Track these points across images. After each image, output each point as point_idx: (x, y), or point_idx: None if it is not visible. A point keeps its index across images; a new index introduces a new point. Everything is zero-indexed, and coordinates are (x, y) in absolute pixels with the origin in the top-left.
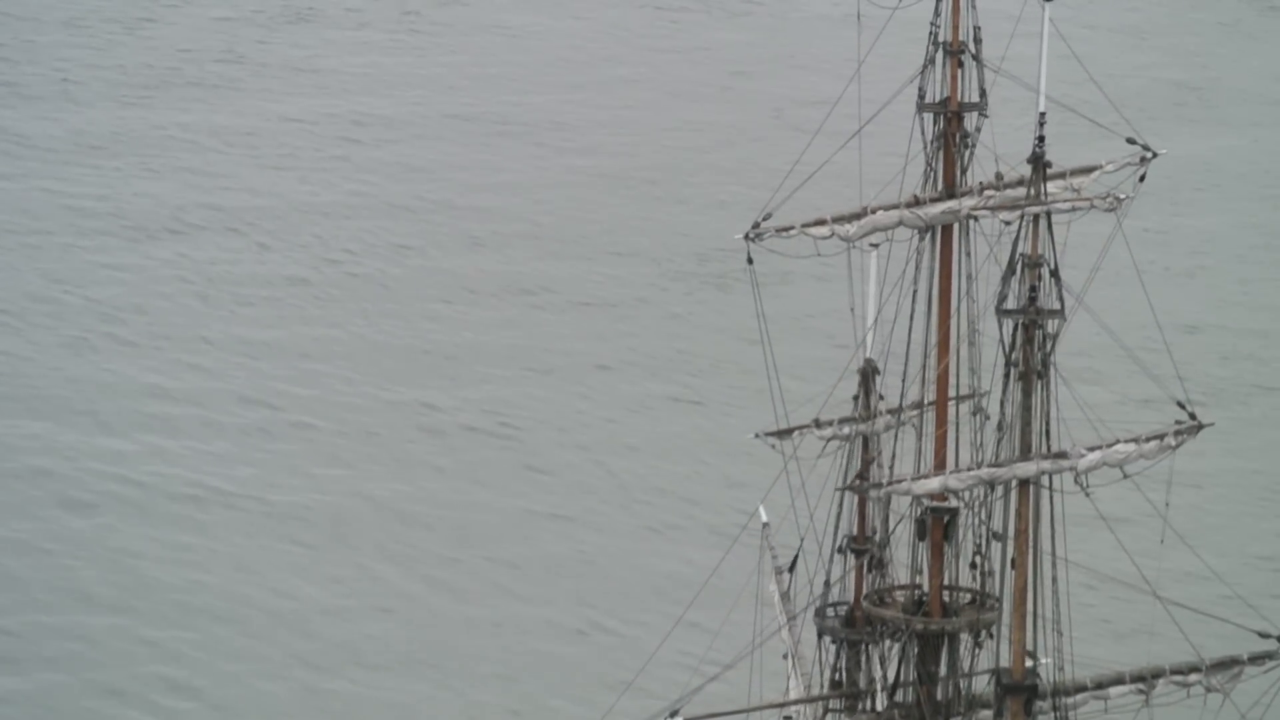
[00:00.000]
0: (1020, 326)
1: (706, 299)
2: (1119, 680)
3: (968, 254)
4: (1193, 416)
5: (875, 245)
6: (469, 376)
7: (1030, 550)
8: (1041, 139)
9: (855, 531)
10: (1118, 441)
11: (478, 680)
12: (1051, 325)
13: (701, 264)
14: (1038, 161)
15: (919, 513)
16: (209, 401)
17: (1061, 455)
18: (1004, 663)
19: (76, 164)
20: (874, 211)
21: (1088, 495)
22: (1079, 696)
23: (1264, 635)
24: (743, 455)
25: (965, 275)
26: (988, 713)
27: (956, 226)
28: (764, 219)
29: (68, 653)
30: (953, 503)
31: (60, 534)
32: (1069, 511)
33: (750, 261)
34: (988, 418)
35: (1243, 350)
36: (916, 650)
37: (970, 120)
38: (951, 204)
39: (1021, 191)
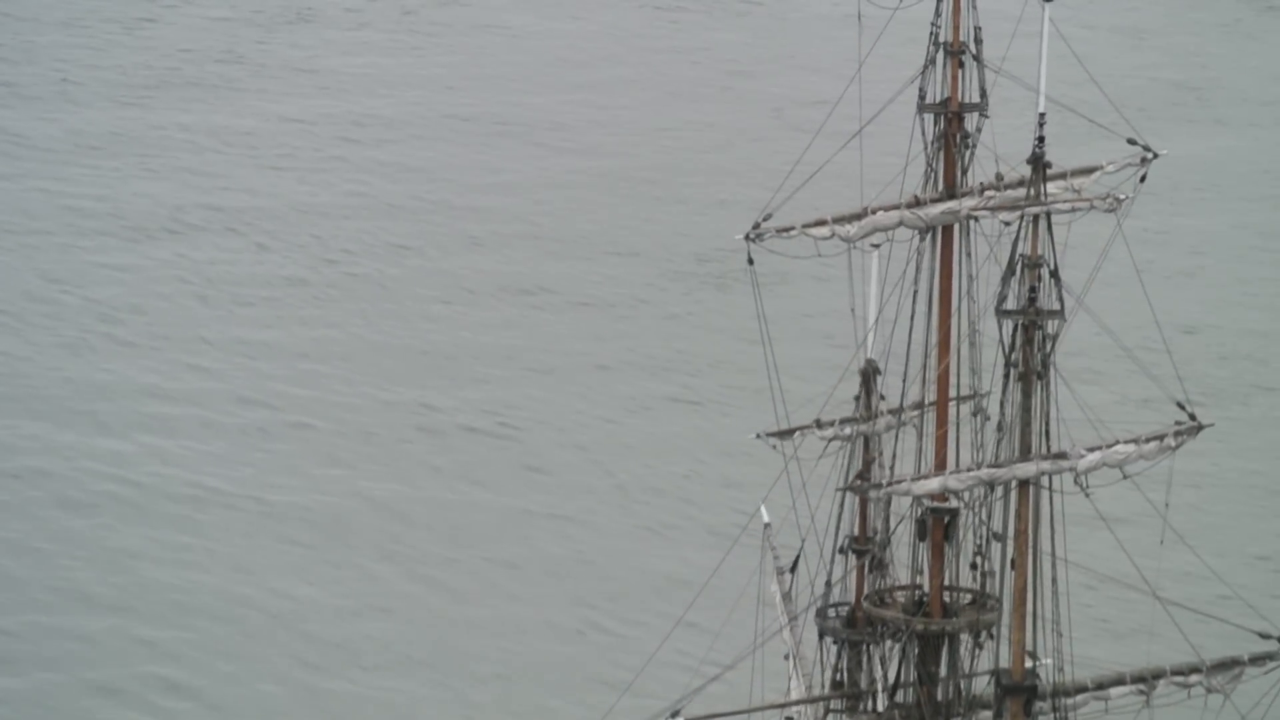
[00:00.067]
0: (1020, 327)
1: (706, 299)
2: (1119, 681)
3: (968, 254)
4: (1192, 417)
5: (876, 246)
6: (467, 377)
7: (1030, 551)
8: (1041, 139)
9: (856, 532)
10: (1117, 442)
11: (476, 680)
12: (1051, 326)
13: (701, 264)
14: (1038, 162)
15: (919, 513)
16: (207, 402)
17: (1061, 456)
18: (1004, 663)
19: (75, 164)
20: (874, 212)
21: (1087, 496)
22: (1079, 697)
23: (1264, 636)
24: (742, 455)
25: (965, 276)
26: (988, 713)
27: (957, 227)
28: (764, 219)
29: (66, 652)
30: (953, 503)
31: (58, 534)
32: (1069, 512)
33: (750, 262)
34: (988, 418)
35: (1242, 350)
36: (917, 651)
37: (971, 121)
38: (952, 204)
39: (1022, 192)
